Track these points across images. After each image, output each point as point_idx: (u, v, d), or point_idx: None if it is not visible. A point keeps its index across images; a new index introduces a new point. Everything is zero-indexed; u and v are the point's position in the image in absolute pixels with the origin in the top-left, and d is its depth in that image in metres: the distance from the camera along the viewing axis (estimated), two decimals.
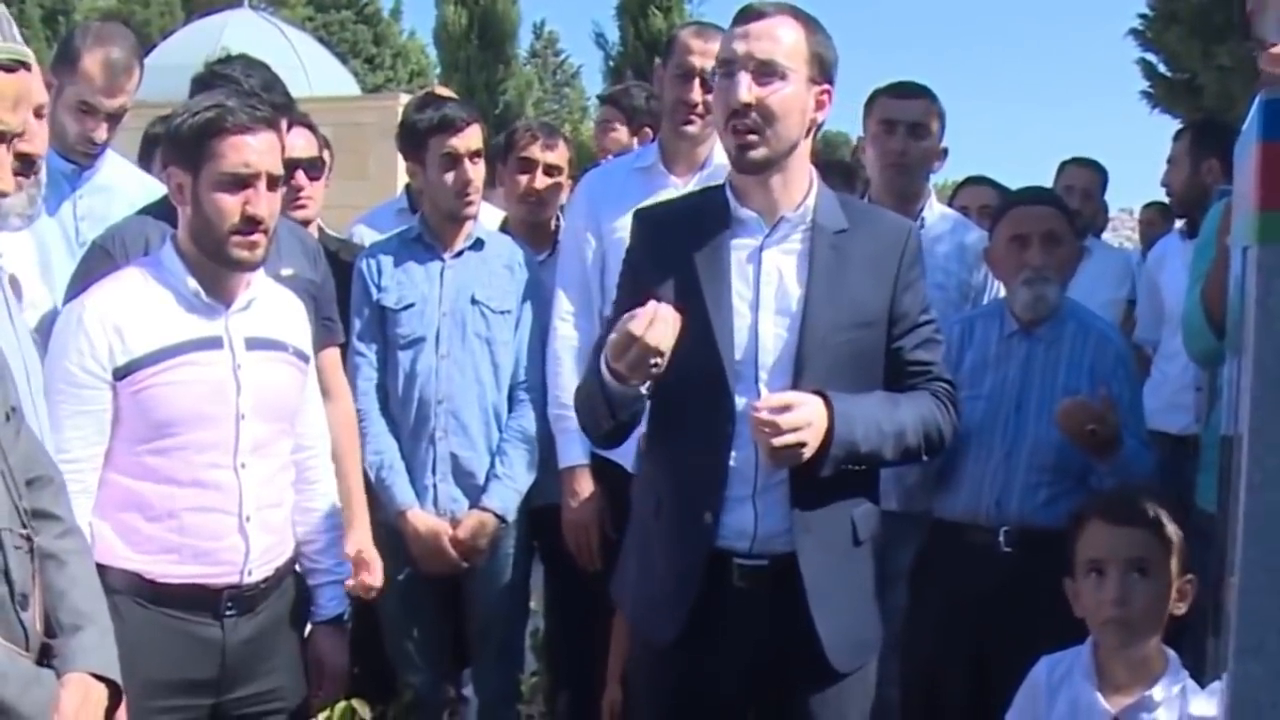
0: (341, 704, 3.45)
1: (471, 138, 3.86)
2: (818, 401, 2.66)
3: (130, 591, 2.78)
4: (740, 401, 2.74)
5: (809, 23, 2.78)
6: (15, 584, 2.08)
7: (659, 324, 2.54)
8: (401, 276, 3.87)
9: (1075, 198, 5.84)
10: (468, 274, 3.88)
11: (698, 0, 19.75)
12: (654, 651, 2.90)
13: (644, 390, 2.67)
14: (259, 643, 2.93)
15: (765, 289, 2.79)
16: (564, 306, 3.90)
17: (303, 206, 4.09)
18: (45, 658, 2.16)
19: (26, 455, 2.25)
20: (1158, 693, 2.61)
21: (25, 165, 2.53)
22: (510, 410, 3.91)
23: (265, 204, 2.82)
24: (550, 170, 4.32)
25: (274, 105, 3.26)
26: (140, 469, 2.80)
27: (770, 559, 2.77)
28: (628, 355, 2.55)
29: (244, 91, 3.22)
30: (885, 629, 3.01)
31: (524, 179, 4.31)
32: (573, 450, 3.87)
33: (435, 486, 3.83)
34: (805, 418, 2.63)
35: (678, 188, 3.83)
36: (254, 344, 2.91)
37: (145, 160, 4.47)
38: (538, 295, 3.96)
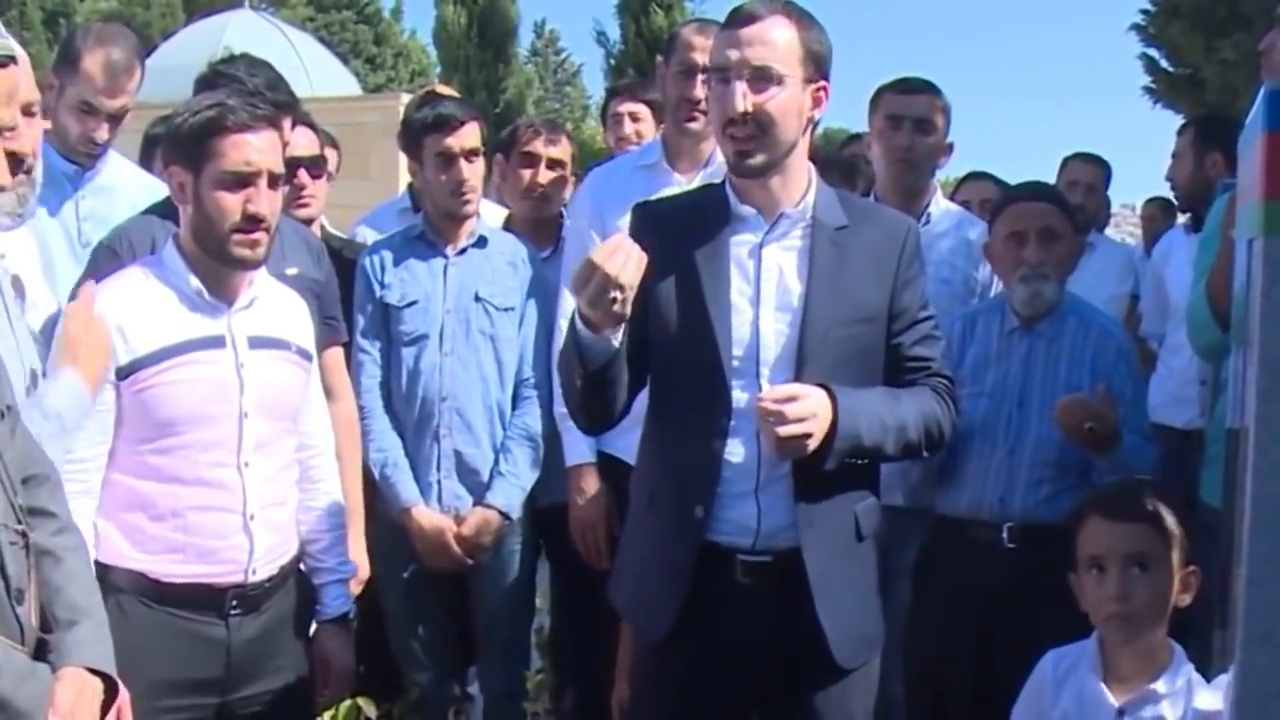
0: (347, 702, 3.46)
1: (467, 136, 3.86)
2: (822, 394, 2.67)
3: (135, 591, 2.78)
4: (742, 397, 2.74)
5: (801, 19, 2.77)
6: (10, 580, 2.08)
7: (619, 254, 2.52)
8: (405, 274, 3.87)
9: (1079, 193, 5.85)
10: (471, 271, 3.88)
11: None
12: (657, 649, 2.90)
13: (615, 342, 2.64)
14: (264, 642, 2.93)
15: (766, 285, 2.80)
16: (569, 305, 3.89)
17: (305, 205, 4.09)
18: (41, 653, 2.16)
19: (22, 453, 2.25)
20: (1163, 685, 2.62)
21: (15, 164, 2.51)
22: (515, 407, 3.91)
23: (267, 202, 2.81)
24: (553, 165, 4.32)
25: (277, 104, 3.26)
26: (144, 468, 2.80)
27: (774, 555, 2.77)
28: (588, 288, 2.53)
29: (247, 90, 3.22)
30: (890, 625, 3.02)
31: (527, 174, 4.31)
32: (578, 448, 3.87)
33: (439, 484, 3.83)
34: (811, 408, 2.63)
35: (681, 184, 3.83)
36: (257, 343, 2.91)
37: (146, 160, 4.48)
38: (542, 292, 3.96)
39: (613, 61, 19.74)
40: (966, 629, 3.41)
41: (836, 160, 4.79)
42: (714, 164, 3.88)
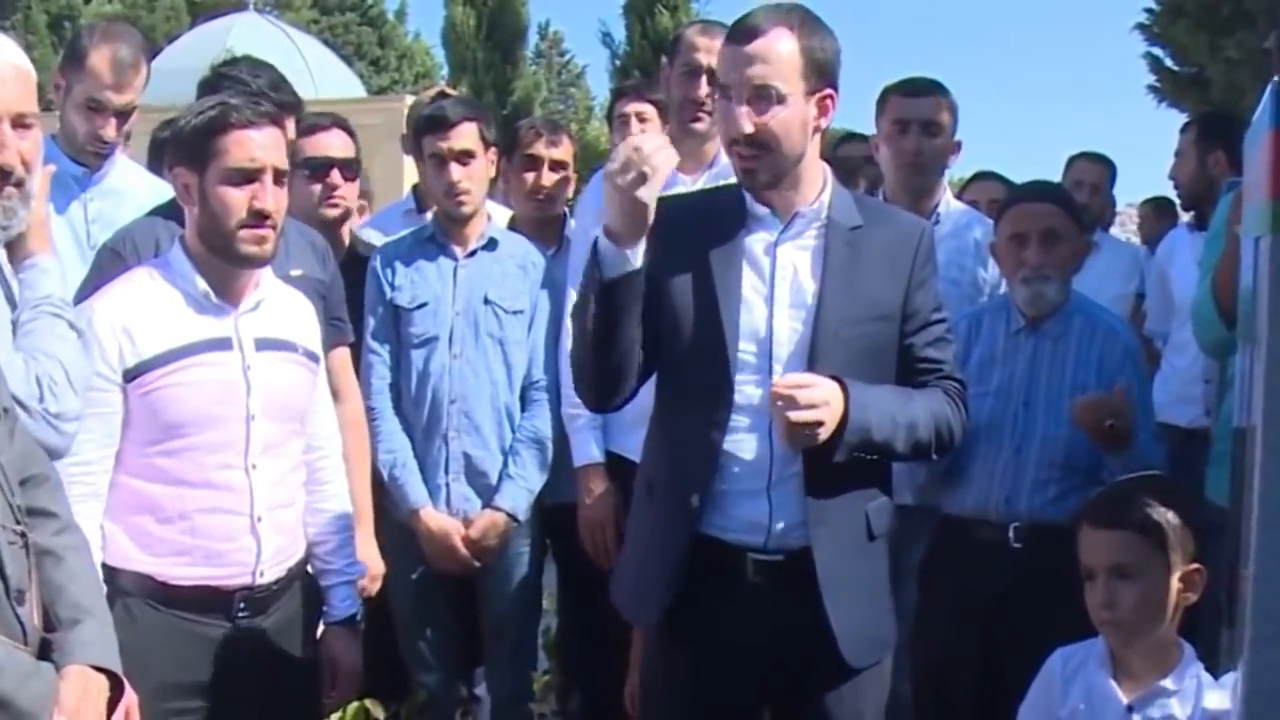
0: (355, 704, 3.46)
1: (459, 138, 3.85)
2: (834, 384, 2.67)
3: (143, 594, 2.79)
4: (755, 393, 2.74)
5: (804, 27, 2.74)
6: (10, 580, 2.08)
7: (656, 140, 2.61)
8: (415, 276, 3.87)
9: (1084, 192, 5.85)
10: (481, 274, 3.88)
11: None
12: (668, 649, 2.90)
13: (635, 261, 2.65)
14: (272, 644, 2.92)
15: (780, 283, 2.79)
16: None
17: (335, 205, 4.08)
18: (45, 653, 2.16)
19: (21, 454, 2.25)
20: (1172, 683, 2.62)
21: (2, 177, 2.49)
22: (524, 410, 3.91)
23: (272, 198, 2.81)
24: (556, 166, 4.32)
25: (281, 104, 3.27)
26: (151, 471, 2.80)
27: (785, 553, 2.76)
28: (620, 164, 2.58)
29: (251, 91, 3.23)
30: (899, 624, 3.01)
31: (530, 176, 4.31)
32: (586, 449, 3.87)
33: (448, 486, 3.84)
34: (823, 396, 2.63)
35: (686, 185, 3.82)
36: (264, 344, 2.91)
37: (155, 164, 4.49)
38: (552, 295, 3.96)
39: (618, 62, 19.70)
40: (972, 628, 3.41)
41: (839, 160, 4.78)
42: (719, 164, 3.87)
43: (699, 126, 3.84)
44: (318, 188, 3.99)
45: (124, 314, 2.79)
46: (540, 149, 4.30)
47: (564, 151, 4.36)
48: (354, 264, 3.98)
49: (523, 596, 3.99)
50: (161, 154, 4.55)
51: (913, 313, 2.86)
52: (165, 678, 2.73)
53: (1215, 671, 2.62)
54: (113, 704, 2.25)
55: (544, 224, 4.36)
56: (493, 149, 3.97)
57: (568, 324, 3.84)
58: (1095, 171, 6.26)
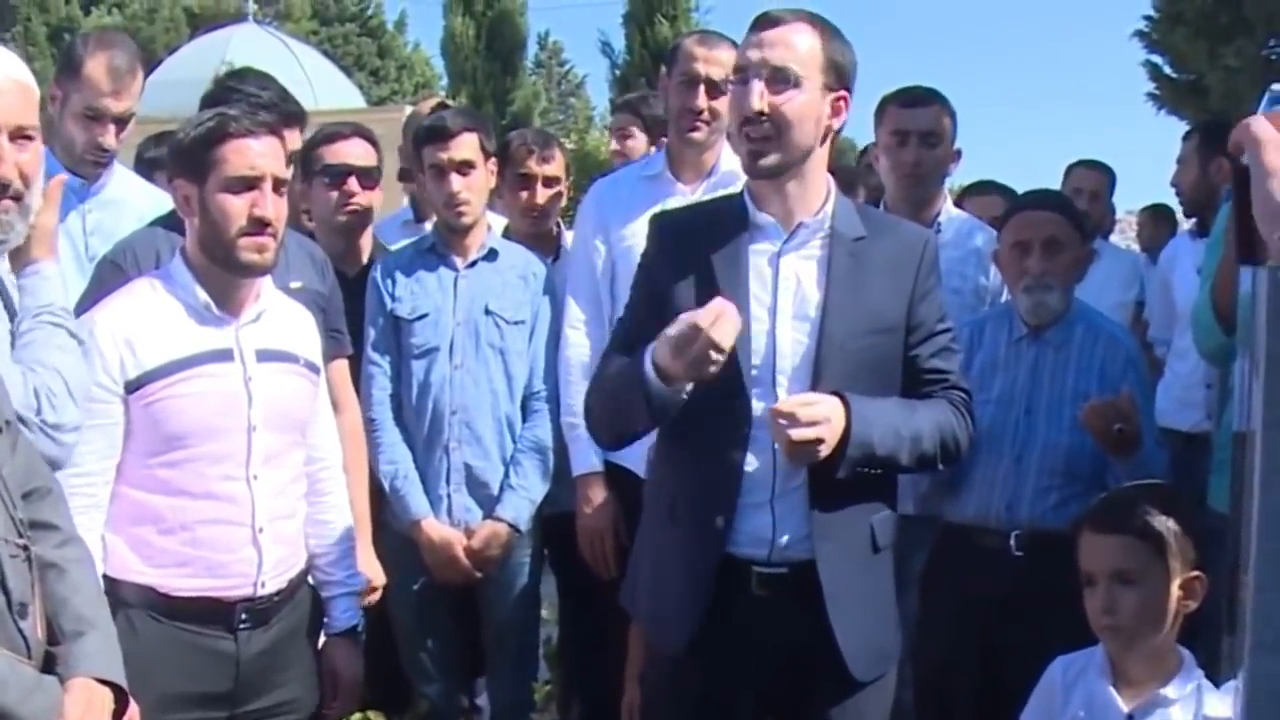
0: (357, 715, 3.45)
1: (458, 148, 3.85)
2: (836, 401, 2.66)
3: (144, 605, 2.78)
4: (758, 406, 2.73)
5: (825, 29, 2.77)
6: (13, 594, 2.08)
7: (723, 321, 2.54)
8: (415, 287, 3.87)
9: (1083, 200, 5.85)
10: (481, 284, 3.88)
11: (704, 9, 19.78)
12: (670, 659, 2.89)
13: (685, 394, 2.65)
14: (273, 655, 2.93)
15: (783, 295, 2.79)
16: (574, 315, 3.90)
17: (354, 211, 4.08)
18: (49, 666, 2.16)
19: (23, 467, 2.25)
20: (1172, 691, 2.61)
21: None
22: (525, 420, 3.90)
23: (272, 206, 2.82)
24: (549, 182, 4.32)
25: (287, 115, 3.30)
26: (152, 482, 2.80)
27: (789, 566, 2.76)
28: (690, 350, 2.53)
29: (260, 103, 3.25)
30: (901, 633, 3.00)
31: (524, 195, 4.31)
32: (586, 458, 3.86)
33: (449, 497, 3.83)
34: (824, 413, 2.62)
35: (685, 195, 3.83)
36: (265, 356, 2.91)
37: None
38: (553, 305, 3.96)
39: (618, 72, 19.75)
40: (973, 636, 3.41)
41: (840, 169, 4.79)
42: (717, 174, 3.88)
43: (697, 136, 3.84)
44: (335, 194, 4.00)
45: (125, 325, 2.79)
46: (532, 166, 4.29)
47: (556, 166, 4.35)
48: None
49: (524, 606, 3.99)
50: (147, 170, 4.58)
51: (917, 324, 2.86)
52: (167, 689, 2.73)
53: (1216, 679, 2.62)
54: (117, 716, 2.25)
55: (538, 236, 4.36)
56: (493, 159, 3.97)
57: (565, 333, 3.86)
58: (1094, 179, 6.27)
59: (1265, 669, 1.69)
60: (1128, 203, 8.19)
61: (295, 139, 3.55)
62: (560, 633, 4.57)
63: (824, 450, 2.64)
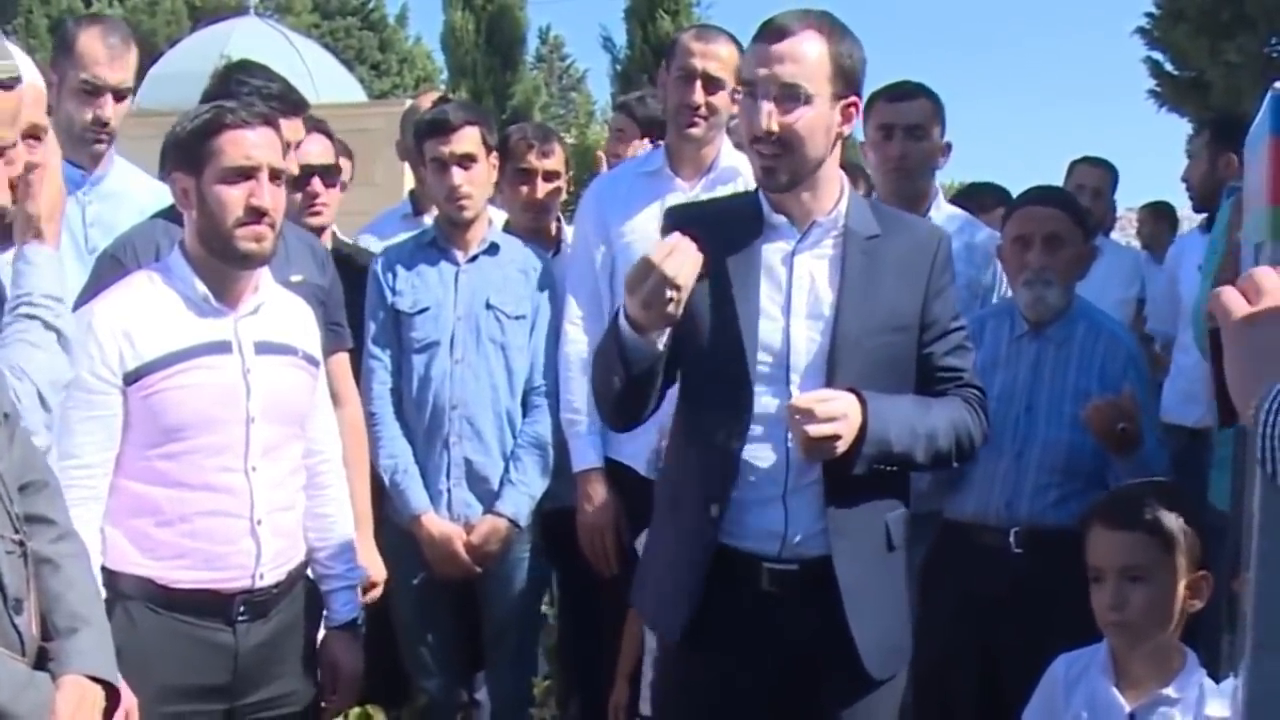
0: (356, 710, 3.45)
1: (460, 142, 3.85)
2: (852, 398, 2.66)
3: (143, 597, 2.79)
4: (772, 403, 2.73)
5: (833, 31, 2.74)
6: (8, 589, 2.08)
7: (677, 254, 2.53)
8: (416, 280, 3.87)
9: (1085, 197, 5.84)
10: (482, 279, 3.88)
11: (705, 3, 19.75)
12: (681, 656, 2.88)
13: (660, 345, 2.64)
14: (271, 647, 2.93)
15: (797, 293, 2.78)
16: (574, 311, 3.90)
17: (318, 213, 4.09)
18: (42, 662, 2.16)
19: (20, 460, 2.24)
20: (1174, 690, 2.62)
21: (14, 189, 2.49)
22: (525, 415, 3.90)
23: (269, 196, 2.82)
24: (549, 176, 4.30)
25: (297, 104, 3.30)
26: (151, 474, 2.80)
27: (800, 563, 2.75)
28: (644, 287, 2.53)
29: (263, 94, 3.25)
30: None
31: (524, 189, 4.30)
32: (586, 454, 3.86)
33: (449, 491, 3.83)
34: (840, 409, 2.62)
35: (684, 191, 3.82)
36: (263, 348, 2.91)
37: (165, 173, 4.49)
38: (554, 300, 3.95)
39: (619, 67, 19.73)
40: (972, 633, 3.41)
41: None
42: (716, 170, 3.87)
43: (695, 131, 3.83)
44: (298, 197, 3.97)
45: (124, 317, 2.79)
46: (532, 160, 4.27)
47: (556, 161, 4.33)
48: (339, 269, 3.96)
49: (524, 602, 3.99)
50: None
51: (931, 322, 2.85)
52: (165, 681, 2.73)
53: (1217, 677, 2.62)
54: (108, 714, 2.25)
55: (538, 232, 4.35)
56: (494, 153, 3.97)
57: (565, 329, 3.86)
58: (1097, 176, 6.26)
59: (1266, 669, 1.69)
60: (1128, 200, 8.18)
61: (296, 129, 3.54)
62: (560, 629, 4.57)
63: (841, 447, 2.63)
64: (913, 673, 3.47)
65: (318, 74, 15.23)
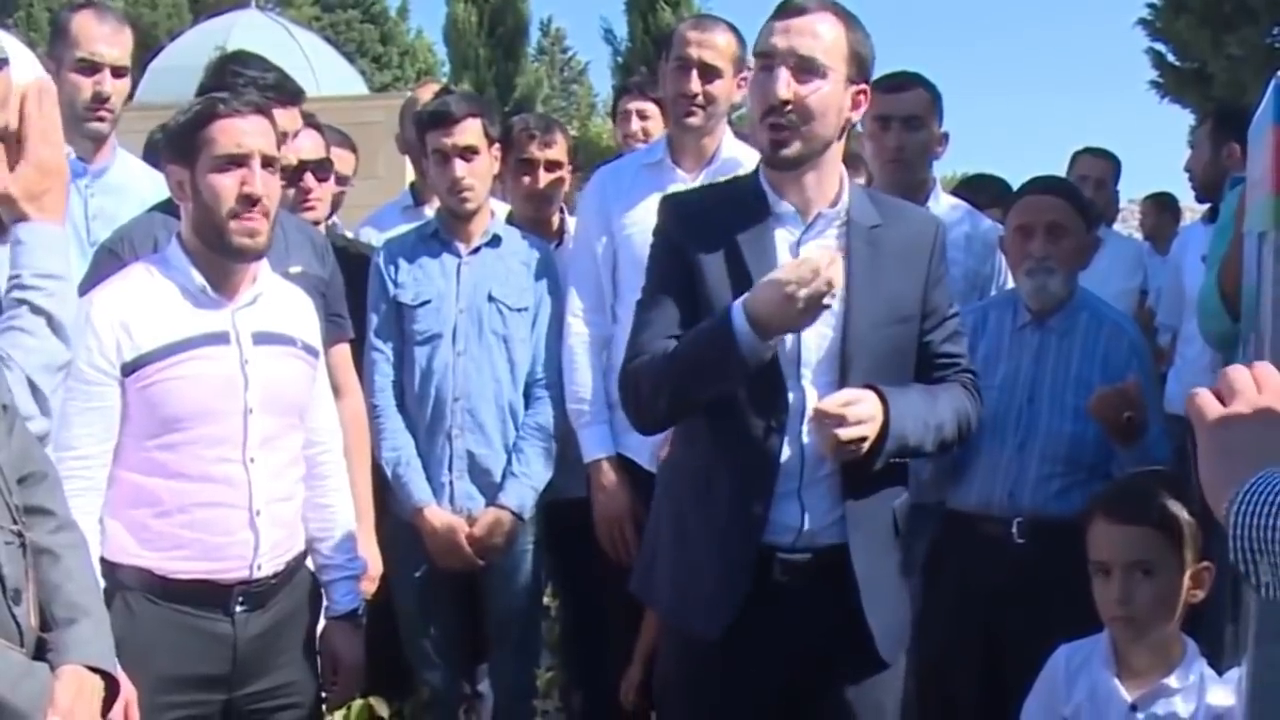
0: (359, 702, 3.45)
1: (462, 134, 3.83)
2: (875, 399, 2.67)
3: (141, 588, 2.79)
4: (789, 397, 2.74)
5: (849, 20, 2.75)
6: (7, 580, 2.07)
7: (837, 264, 2.57)
8: (418, 273, 3.86)
9: (1088, 188, 5.83)
10: (485, 271, 3.87)
11: None
12: (692, 647, 2.87)
13: (771, 351, 2.65)
14: (271, 638, 2.93)
15: None
16: (576, 303, 3.89)
17: (311, 208, 4.08)
18: (41, 652, 2.16)
19: (19, 451, 2.24)
20: (1175, 680, 2.61)
21: None
22: (527, 406, 3.89)
23: (262, 183, 2.81)
24: (551, 167, 4.29)
25: (295, 93, 3.29)
26: (149, 465, 2.80)
27: (813, 552, 2.77)
28: (807, 291, 2.52)
29: (265, 84, 3.24)
30: None
31: (526, 180, 4.28)
32: (596, 444, 3.85)
33: (451, 484, 3.82)
34: (869, 412, 2.64)
35: (686, 182, 3.81)
36: (261, 339, 2.91)
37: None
38: (556, 292, 3.95)
39: (620, 59, 19.73)
40: (975, 624, 3.41)
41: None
42: (718, 161, 3.86)
43: (693, 121, 3.82)
44: (291, 192, 3.95)
45: (122, 308, 2.79)
46: (534, 151, 4.25)
47: (558, 151, 4.31)
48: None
49: (527, 594, 3.98)
50: (156, 158, 4.56)
51: (931, 310, 2.87)
52: (164, 672, 2.73)
53: (1219, 667, 2.62)
54: (107, 704, 2.25)
55: (541, 223, 4.35)
56: (496, 145, 3.96)
57: (568, 321, 3.85)
58: (1099, 167, 6.26)
59: (1268, 659, 1.69)
60: (1130, 191, 8.17)
61: (293, 119, 3.53)
62: (562, 620, 4.57)
63: (866, 447, 2.65)
64: (916, 662, 3.48)
65: (319, 67, 15.23)
